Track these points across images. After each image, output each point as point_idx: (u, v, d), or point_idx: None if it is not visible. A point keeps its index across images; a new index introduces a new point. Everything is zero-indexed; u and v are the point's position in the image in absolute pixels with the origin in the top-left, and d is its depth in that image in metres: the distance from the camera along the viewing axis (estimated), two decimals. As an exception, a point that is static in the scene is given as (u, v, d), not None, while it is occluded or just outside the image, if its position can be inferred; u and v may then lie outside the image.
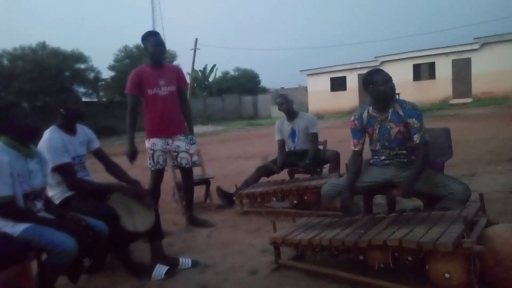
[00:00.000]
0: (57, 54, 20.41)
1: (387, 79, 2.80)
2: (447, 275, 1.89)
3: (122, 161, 3.30)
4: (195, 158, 3.85)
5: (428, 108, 16.95)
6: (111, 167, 2.99)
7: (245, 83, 35.81)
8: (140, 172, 3.56)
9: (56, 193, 2.71)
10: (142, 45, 3.63)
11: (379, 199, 3.76)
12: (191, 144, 3.76)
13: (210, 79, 35.00)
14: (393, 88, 2.81)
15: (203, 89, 34.25)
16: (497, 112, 13.76)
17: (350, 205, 2.92)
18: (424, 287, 2.04)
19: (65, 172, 2.65)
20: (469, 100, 19.87)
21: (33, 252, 2.13)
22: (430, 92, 21.11)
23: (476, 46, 19.97)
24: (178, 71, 3.79)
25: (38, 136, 2.37)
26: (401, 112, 2.79)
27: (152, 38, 3.53)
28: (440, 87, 21.08)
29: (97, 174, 3.12)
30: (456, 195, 2.54)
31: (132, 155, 3.59)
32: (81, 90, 21.72)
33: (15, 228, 2.12)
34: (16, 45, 20.90)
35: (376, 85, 2.80)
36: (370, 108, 2.94)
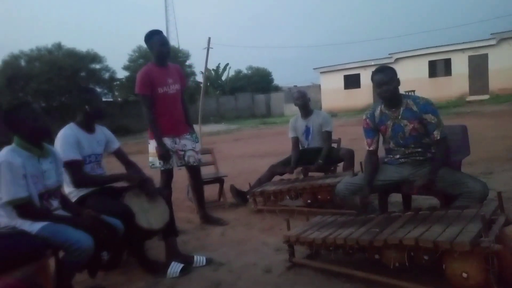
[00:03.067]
0: (72, 54, 20.68)
1: (383, 83, 2.75)
2: (464, 275, 1.86)
3: (137, 160, 3.32)
4: (199, 156, 3.86)
5: (444, 105, 16.67)
6: (129, 167, 3.04)
7: (258, 82, 35.78)
8: (153, 172, 3.58)
9: (72, 190, 2.75)
10: (146, 45, 3.57)
11: (395, 197, 3.72)
12: (196, 143, 3.78)
13: (223, 78, 35.09)
14: (385, 91, 2.75)
15: (216, 88, 34.36)
16: (515, 109, 13.47)
17: (369, 203, 2.89)
18: (441, 287, 2.01)
19: (72, 168, 2.65)
20: (486, 97, 19.50)
21: (51, 250, 2.17)
22: (446, 89, 20.77)
23: (493, 42, 19.59)
24: (179, 70, 3.81)
25: (49, 137, 2.39)
26: (415, 108, 2.74)
27: (157, 37, 3.51)
28: (457, 83, 20.74)
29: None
30: (473, 193, 2.50)
31: (166, 155, 3.53)
32: (97, 89, 21.99)
33: (33, 226, 2.16)
34: (33, 46, 21.26)
35: (375, 86, 2.80)
36: (382, 106, 2.89)
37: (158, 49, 3.49)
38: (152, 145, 3.62)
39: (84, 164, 2.74)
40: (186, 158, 3.71)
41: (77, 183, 2.70)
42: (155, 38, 3.51)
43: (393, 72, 2.79)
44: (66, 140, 2.67)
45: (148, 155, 3.67)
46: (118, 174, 2.93)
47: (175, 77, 3.64)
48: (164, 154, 3.52)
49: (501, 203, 2.29)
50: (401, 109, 2.79)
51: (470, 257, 1.85)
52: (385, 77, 2.75)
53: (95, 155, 2.85)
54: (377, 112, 2.91)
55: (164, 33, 3.71)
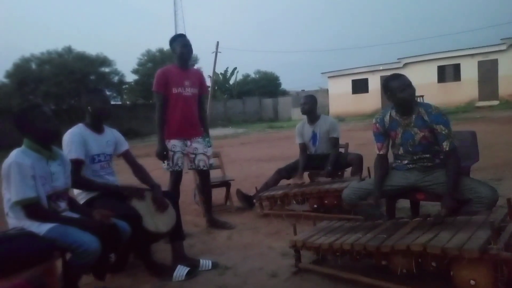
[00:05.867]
0: (82, 58, 20.91)
1: (406, 86, 2.70)
2: (472, 282, 1.84)
3: (145, 163, 3.34)
4: (211, 160, 3.87)
5: (453, 111, 16.52)
6: (137, 170, 3.05)
7: (266, 86, 35.81)
8: (161, 173, 3.60)
9: (80, 192, 2.77)
10: (170, 48, 3.71)
11: (403, 203, 3.69)
12: (208, 147, 3.79)
13: (231, 81, 35.18)
14: (412, 94, 2.71)
15: (223, 92, 34.45)
16: (526, 115, 13.32)
17: (381, 203, 2.86)
18: (449, 294, 1.99)
19: (73, 167, 2.61)
20: (495, 102, 19.30)
21: (58, 252, 2.18)
22: (455, 94, 20.60)
23: (503, 47, 19.39)
24: (200, 76, 3.87)
25: (58, 139, 2.42)
26: (426, 117, 2.70)
27: (180, 40, 3.65)
28: (466, 89, 20.55)
29: (121, 176, 3.17)
30: (483, 198, 2.47)
31: (163, 154, 3.57)
32: (103, 90, 22.17)
33: (40, 228, 2.18)
34: (43, 49, 21.53)
35: (394, 92, 2.71)
36: (393, 111, 2.86)
37: (179, 50, 3.60)
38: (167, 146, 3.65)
39: (84, 165, 2.73)
40: (196, 162, 3.72)
41: (76, 183, 2.67)
42: (177, 40, 3.65)
43: (409, 79, 2.78)
44: (71, 139, 2.71)
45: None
46: (115, 185, 2.88)
47: (194, 81, 3.69)
48: (160, 152, 3.54)
49: (511, 210, 2.26)
50: (413, 116, 2.75)
51: (479, 264, 1.83)
52: (407, 80, 2.73)
53: (104, 155, 2.87)
54: (387, 117, 2.89)
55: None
